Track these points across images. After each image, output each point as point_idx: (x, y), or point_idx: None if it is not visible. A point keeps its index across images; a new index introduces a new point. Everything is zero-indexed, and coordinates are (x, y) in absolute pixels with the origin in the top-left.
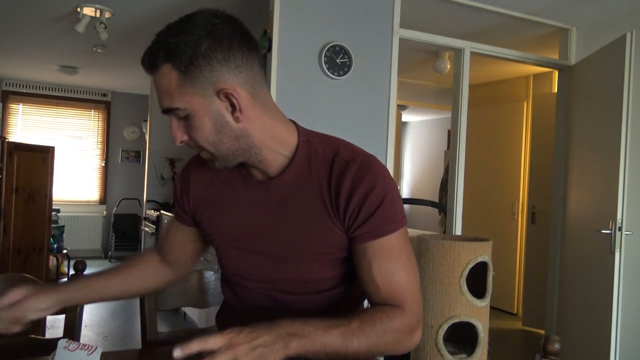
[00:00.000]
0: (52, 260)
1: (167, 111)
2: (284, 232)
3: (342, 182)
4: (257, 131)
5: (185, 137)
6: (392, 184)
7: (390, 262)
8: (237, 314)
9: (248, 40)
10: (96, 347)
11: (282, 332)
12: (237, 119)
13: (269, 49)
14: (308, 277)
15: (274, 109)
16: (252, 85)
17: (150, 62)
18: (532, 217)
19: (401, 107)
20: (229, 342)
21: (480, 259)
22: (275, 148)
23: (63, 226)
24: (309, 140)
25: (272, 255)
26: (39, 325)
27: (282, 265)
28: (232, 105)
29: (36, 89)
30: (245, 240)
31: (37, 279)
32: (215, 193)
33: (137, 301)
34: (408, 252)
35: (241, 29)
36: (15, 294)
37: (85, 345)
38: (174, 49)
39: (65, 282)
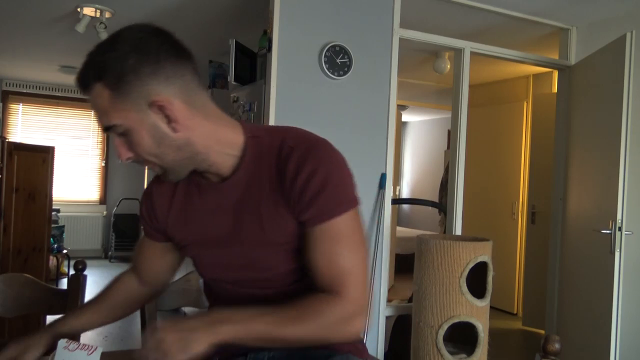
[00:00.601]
0: (52, 260)
1: (106, 129)
2: (244, 231)
3: (287, 168)
4: (199, 138)
5: (130, 154)
6: (340, 166)
7: (334, 246)
8: None
9: (177, 50)
10: (96, 347)
11: (208, 319)
12: (174, 129)
13: (269, 49)
14: (276, 272)
15: (215, 114)
16: (186, 93)
17: (83, 83)
18: (532, 217)
19: (401, 107)
20: (159, 340)
21: (480, 259)
22: (222, 150)
23: (63, 226)
24: (254, 135)
25: (238, 256)
26: (39, 325)
27: (249, 264)
28: (167, 117)
29: (36, 89)
30: (213, 246)
31: (38, 280)
32: (178, 205)
33: None
34: (357, 236)
35: (169, 39)
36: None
37: (85, 345)
38: (103, 67)
39: (52, 322)
